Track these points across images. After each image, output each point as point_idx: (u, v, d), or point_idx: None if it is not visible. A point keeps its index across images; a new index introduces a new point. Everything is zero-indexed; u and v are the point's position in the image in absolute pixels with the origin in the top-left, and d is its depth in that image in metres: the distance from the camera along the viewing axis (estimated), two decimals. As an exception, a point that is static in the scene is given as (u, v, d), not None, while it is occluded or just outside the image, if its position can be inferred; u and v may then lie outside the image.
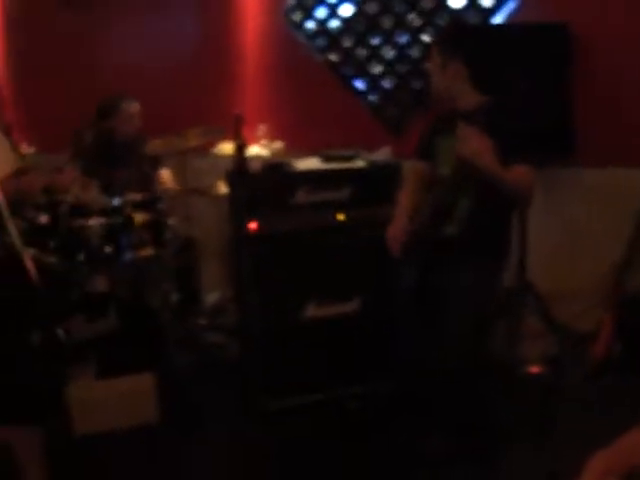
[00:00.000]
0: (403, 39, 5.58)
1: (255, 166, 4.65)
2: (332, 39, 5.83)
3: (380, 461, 4.04)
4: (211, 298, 5.93)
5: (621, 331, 4.22)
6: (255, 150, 5.78)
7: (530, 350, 4.66)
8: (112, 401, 4.34)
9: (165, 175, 5.62)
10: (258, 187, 4.53)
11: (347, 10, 5.71)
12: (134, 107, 5.47)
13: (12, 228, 2.91)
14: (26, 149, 6.61)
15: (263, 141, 5.94)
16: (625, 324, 4.23)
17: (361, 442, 4.24)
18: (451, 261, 3.76)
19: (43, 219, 4.59)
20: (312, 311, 4.54)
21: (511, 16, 5.16)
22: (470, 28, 5.18)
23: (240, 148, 4.58)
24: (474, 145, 3.40)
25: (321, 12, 5.80)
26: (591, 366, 4.27)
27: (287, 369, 4.53)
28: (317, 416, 4.50)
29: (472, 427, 3.85)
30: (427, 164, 3.96)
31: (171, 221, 5.13)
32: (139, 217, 4.81)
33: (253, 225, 4.41)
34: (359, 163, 4.71)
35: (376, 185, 4.53)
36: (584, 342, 4.46)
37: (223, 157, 5.64)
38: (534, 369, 4.62)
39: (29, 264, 2.95)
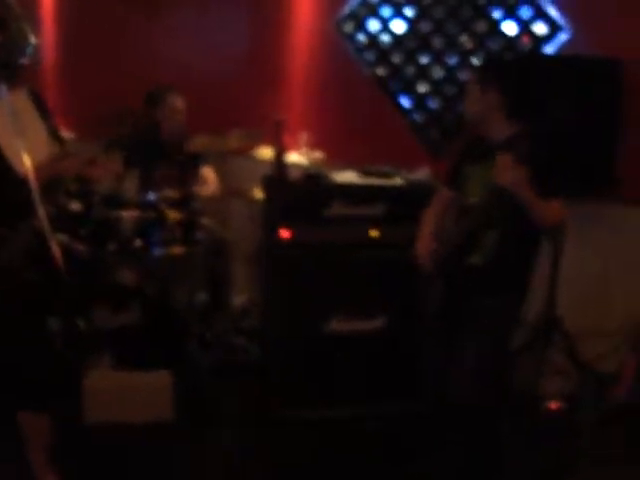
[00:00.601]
0: (453, 60, 5.54)
1: (293, 174, 4.65)
2: (381, 53, 5.79)
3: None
4: (238, 300, 5.91)
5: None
6: (294, 158, 5.76)
7: (551, 386, 4.61)
8: (126, 393, 4.36)
9: (207, 173, 5.60)
10: (294, 195, 4.54)
11: (399, 26, 5.68)
12: (179, 102, 5.44)
13: (42, 213, 2.92)
14: (66, 135, 6.62)
15: (303, 149, 5.92)
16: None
17: (371, 463, 4.23)
18: (474, 290, 3.73)
19: (75, 206, 4.61)
20: (335, 325, 4.52)
21: (563, 47, 5.11)
22: (513, 61, 5.12)
23: (279, 154, 4.58)
24: (512, 174, 3.37)
25: (373, 25, 5.77)
26: (610, 407, 4.22)
27: (305, 381, 4.53)
28: (330, 431, 4.48)
29: (486, 460, 3.80)
30: (454, 193, 3.92)
31: (204, 221, 5.14)
32: (172, 214, 4.82)
33: (285, 233, 4.41)
34: (396, 181, 4.70)
35: (411, 204, 4.48)
36: (606, 383, 4.41)
37: (263, 161, 5.62)
38: (553, 405, 4.56)
39: (56, 250, 2.95)
